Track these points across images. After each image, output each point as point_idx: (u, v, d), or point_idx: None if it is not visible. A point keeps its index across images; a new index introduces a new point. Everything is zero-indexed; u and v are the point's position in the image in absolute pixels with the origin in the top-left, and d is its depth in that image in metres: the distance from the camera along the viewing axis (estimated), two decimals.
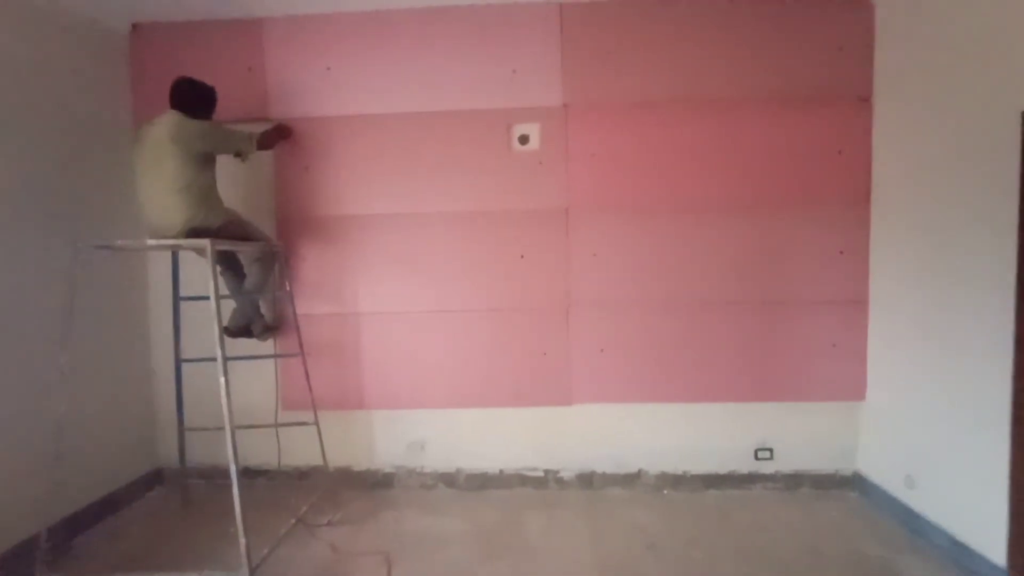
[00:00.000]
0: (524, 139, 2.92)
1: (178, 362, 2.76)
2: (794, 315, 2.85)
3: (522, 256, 2.92)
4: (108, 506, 2.71)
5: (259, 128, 2.68)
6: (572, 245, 2.90)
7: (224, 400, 2.02)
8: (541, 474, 3.01)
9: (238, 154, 2.56)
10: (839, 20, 2.77)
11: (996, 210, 2.04)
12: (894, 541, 2.42)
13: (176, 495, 2.88)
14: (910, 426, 2.53)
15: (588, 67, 2.85)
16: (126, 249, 2.81)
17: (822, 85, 2.78)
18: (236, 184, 2.87)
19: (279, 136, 2.78)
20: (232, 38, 2.94)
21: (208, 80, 2.52)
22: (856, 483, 2.88)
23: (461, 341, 2.95)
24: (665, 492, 2.94)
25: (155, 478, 3.04)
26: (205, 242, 2.06)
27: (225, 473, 2.96)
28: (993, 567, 2.05)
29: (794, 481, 2.91)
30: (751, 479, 2.93)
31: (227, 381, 2.03)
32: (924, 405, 2.44)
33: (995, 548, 2.05)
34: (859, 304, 2.81)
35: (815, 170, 2.81)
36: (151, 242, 2.18)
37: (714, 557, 2.33)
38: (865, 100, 2.78)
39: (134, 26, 2.96)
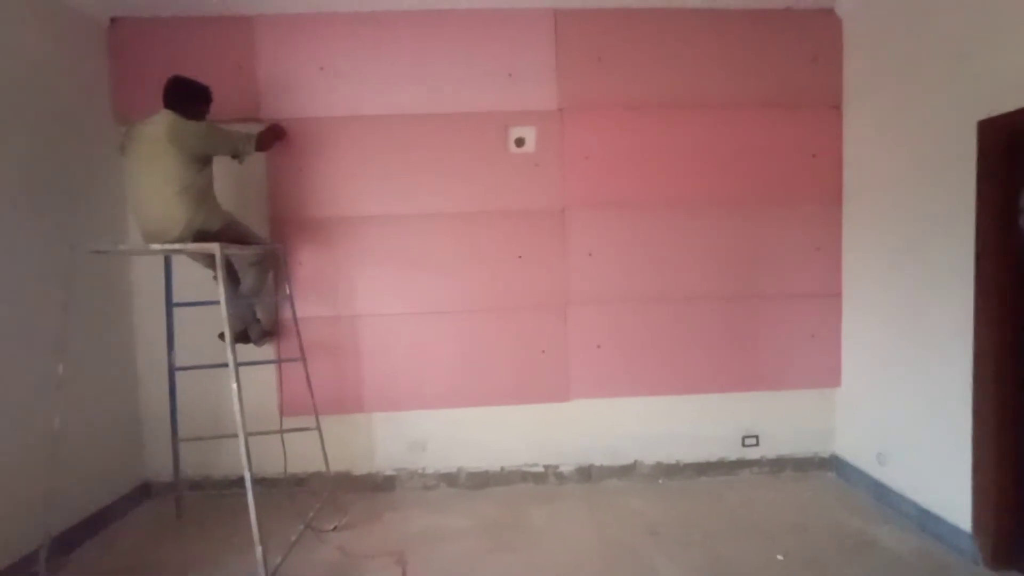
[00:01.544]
0: (520, 141, 2.98)
1: (172, 370, 2.66)
2: (775, 308, 3.04)
3: (520, 256, 2.98)
4: (100, 521, 2.59)
5: (249, 128, 2.62)
6: (568, 245, 2.99)
7: (237, 407, 1.99)
8: (541, 469, 3.08)
9: (235, 155, 2.51)
10: (813, 33, 2.97)
11: (956, 211, 2.26)
12: (869, 513, 2.65)
13: (167, 508, 2.79)
14: (881, 409, 2.76)
15: (582, 72, 2.94)
16: (128, 254, 2.70)
17: (799, 93, 2.99)
18: (226, 185, 2.79)
19: (275, 137, 2.73)
20: (221, 35, 2.86)
21: (195, 78, 2.44)
22: (833, 464, 3.11)
23: (460, 341, 2.99)
24: (660, 481, 3.07)
25: (143, 491, 2.92)
26: (215, 246, 2.00)
27: (218, 484, 2.96)
28: (958, 531, 2.29)
29: (778, 465, 3.11)
30: (739, 465, 3.10)
31: (239, 388, 2.00)
32: (893, 389, 2.67)
33: (961, 515, 2.28)
34: (834, 297, 3.03)
35: (792, 172, 3.01)
36: (155, 246, 2.09)
37: (710, 535, 2.48)
38: (836, 108, 3.00)
39: (113, 20, 2.83)
